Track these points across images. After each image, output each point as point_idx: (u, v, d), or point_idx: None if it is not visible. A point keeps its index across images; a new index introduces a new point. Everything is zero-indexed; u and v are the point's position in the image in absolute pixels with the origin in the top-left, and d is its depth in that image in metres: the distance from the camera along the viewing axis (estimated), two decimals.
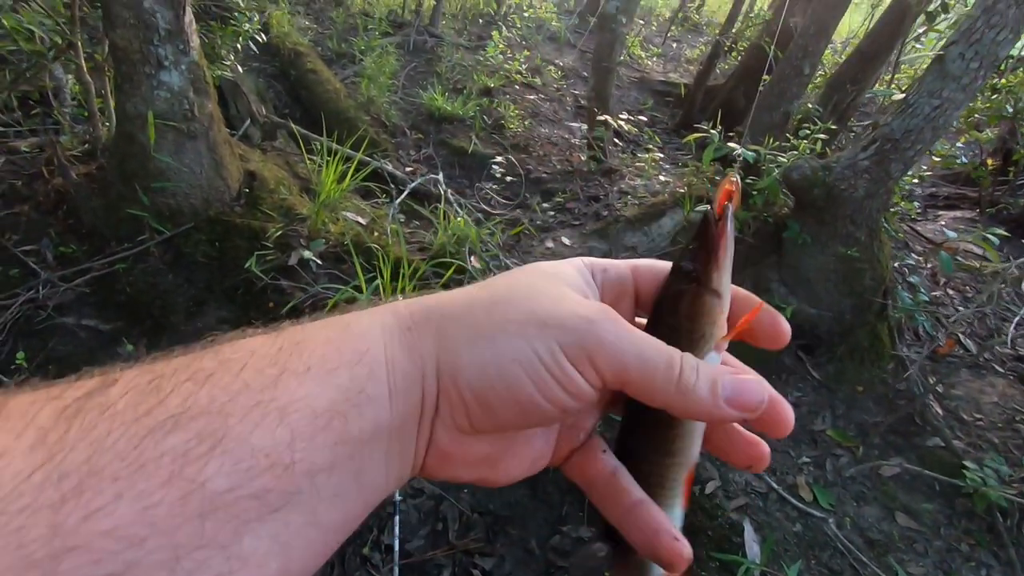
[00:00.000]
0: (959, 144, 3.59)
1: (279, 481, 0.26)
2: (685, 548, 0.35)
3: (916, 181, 3.65)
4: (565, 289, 0.36)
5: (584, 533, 2.12)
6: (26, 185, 2.70)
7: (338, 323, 0.33)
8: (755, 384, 0.34)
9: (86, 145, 2.89)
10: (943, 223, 4.27)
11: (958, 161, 3.56)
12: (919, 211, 4.50)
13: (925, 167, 3.93)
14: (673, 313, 0.37)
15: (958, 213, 4.56)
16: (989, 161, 4.33)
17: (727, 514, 2.10)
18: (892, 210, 2.86)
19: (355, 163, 2.81)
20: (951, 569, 1.98)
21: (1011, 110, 3.51)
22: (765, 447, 0.38)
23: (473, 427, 0.34)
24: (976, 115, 3.51)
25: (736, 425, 0.38)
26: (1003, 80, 3.71)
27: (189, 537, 0.23)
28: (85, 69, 2.74)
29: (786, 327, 0.38)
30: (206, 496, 0.23)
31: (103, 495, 0.22)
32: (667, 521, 0.36)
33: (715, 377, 0.33)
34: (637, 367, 0.32)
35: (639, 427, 0.38)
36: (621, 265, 0.40)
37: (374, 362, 0.31)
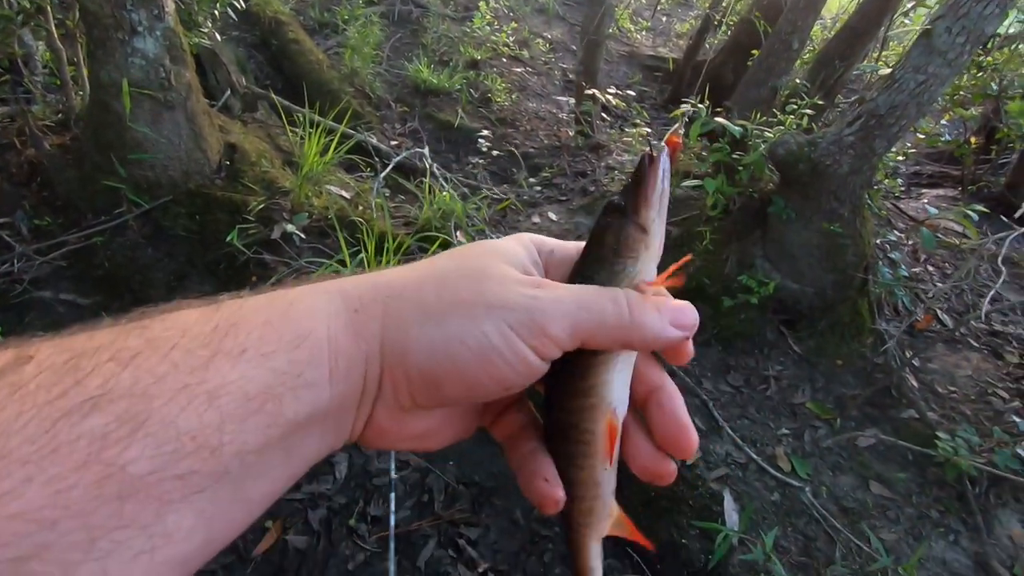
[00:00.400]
0: (944, 122, 3.61)
1: (206, 463, 0.25)
2: (554, 491, 0.36)
3: (901, 159, 3.67)
4: (509, 269, 0.36)
5: None
6: None
7: (281, 301, 0.33)
8: (687, 306, 0.36)
9: (59, 115, 2.80)
10: (926, 201, 4.31)
11: (942, 139, 3.58)
12: (902, 189, 4.54)
13: (909, 144, 3.95)
14: (599, 244, 0.38)
15: (941, 191, 4.61)
16: (972, 139, 4.36)
17: (707, 484, 2.15)
18: (876, 187, 2.88)
19: (338, 136, 2.76)
20: (921, 535, 2.05)
21: (996, 88, 3.53)
22: (672, 465, 0.38)
23: (416, 404, 0.34)
24: (961, 92, 3.52)
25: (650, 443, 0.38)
26: (988, 58, 3.72)
27: (106, 519, 0.23)
28: (56, 36, 2.64)
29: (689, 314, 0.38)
30: (126, 479, 0.23)
31: (11, 478, 0.21)
32: (547, 466, 0.37)
33: (655, 303, 0.35)
34: (588, 318, 0.34)
35: (555, 377, 0.38)
36: (569, 246, 0.40)
37: (315, 346, 0.31)
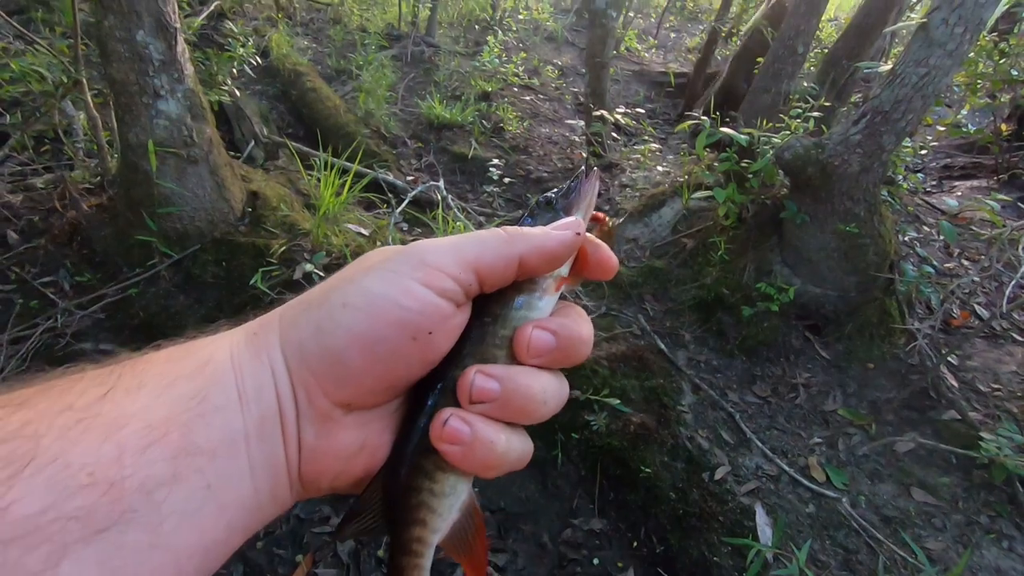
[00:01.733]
0: (963, 112, 3.51)
1: (105, 498, 0.24)
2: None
3: (923, 152, 3.57)
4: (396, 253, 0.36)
5: (596, 525, 2.13)
6: (43, 219, 2.82)
7: (182, 345, 0.32)
8: (571, 220, 0.38)
9: (97, 177, 3.00)
10: (959, 193, 4.17)
11: (964, 129, 3.48)
12: (933, 183, 4.40)
13: (931, 137, 3.85)
14: None
15: (975, 182, 4.45)
16: (1003, 127, 4.21)
17: (738, 499, 2.09)
18: (900, 183, 2.82)
19: (351, 175, 2.87)
20: (971, 542, 1.94)
21: (1017, 73, 3.42)
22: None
23: (334, 402, 0.33)
24: (980, 81, 3.42)
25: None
26: (1008, 43, 3.61)
27: None
28: (92, 104, 2.85)
29: (610, 256, 0.39)
30: (10, 521, 0.22)
31: None
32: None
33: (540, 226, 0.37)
34: (469, 244, 0.34)
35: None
36: None
37: (218, 371, 0.30)
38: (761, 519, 2.03)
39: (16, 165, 3.19)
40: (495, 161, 4.30)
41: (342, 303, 0.32)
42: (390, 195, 3.55)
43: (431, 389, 0.36)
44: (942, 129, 3.41)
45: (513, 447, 0.35)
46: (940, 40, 1.99)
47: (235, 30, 3.31)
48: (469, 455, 0.34)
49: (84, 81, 2.81)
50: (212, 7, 4.80)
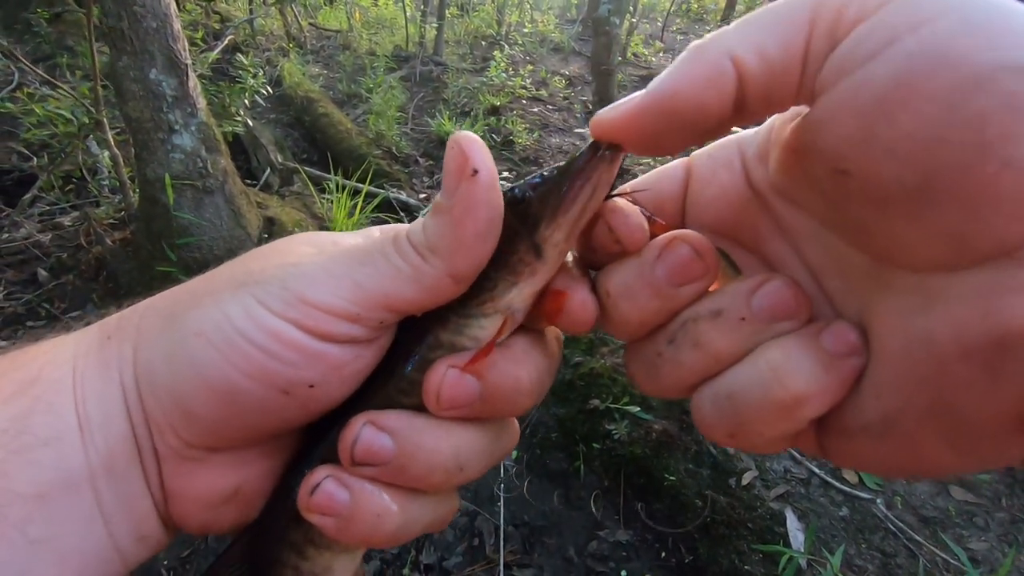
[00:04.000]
0: None
1: None
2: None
3: None
4: (302, 245, 0.28)
5: (622, 536, 2.10)
6: (71, 256, 2.92)
7: (16, 351, 0.26)
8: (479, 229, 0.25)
9: (120, 213, 3.11)
10: None
11: None
12: None
13: None
14: None
15: None
16: None
17: (767, 504, 2.04)
18: None
19: (363, 196, 2.92)
20: (1017, 541, 1.86)
21: None
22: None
23: (186, 442, 0.26)
24: None
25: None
26: None
27: None
28: (113, 142, 2.96)
29: (585, 306, 0.28)
30: None
31: None
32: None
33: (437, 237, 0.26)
34: (366, 273, 0.25)
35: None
36: None
37: (48, 392, 0.24)
38: (792, 524, 1.97)
39: (45, 205, 3.32)
40: (506, 174, 4.32)
41: (196, 330, 0.24)
42: (402, 213, 3.59)
43: (317, 437, 0.28)
44: None
45: (413, 518, 0.27)
46: None
47: (246, 63, 3.40)
48: (348, 529, 0.25)
49: (105, 121, 2.92)
50: (226, 41, 4.95)
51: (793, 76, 0.20)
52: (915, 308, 0.20)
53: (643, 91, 0.23)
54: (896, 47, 0.18)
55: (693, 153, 0.29)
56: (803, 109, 0.22)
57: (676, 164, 0.30)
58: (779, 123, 0.25)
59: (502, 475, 2.25)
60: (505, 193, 0.27)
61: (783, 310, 0.23)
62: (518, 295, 0.27)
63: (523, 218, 0.27)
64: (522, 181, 0.28)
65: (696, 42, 0.22)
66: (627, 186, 0.29)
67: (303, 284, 0.25)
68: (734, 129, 0.26)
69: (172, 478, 0.27)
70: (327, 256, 0.26)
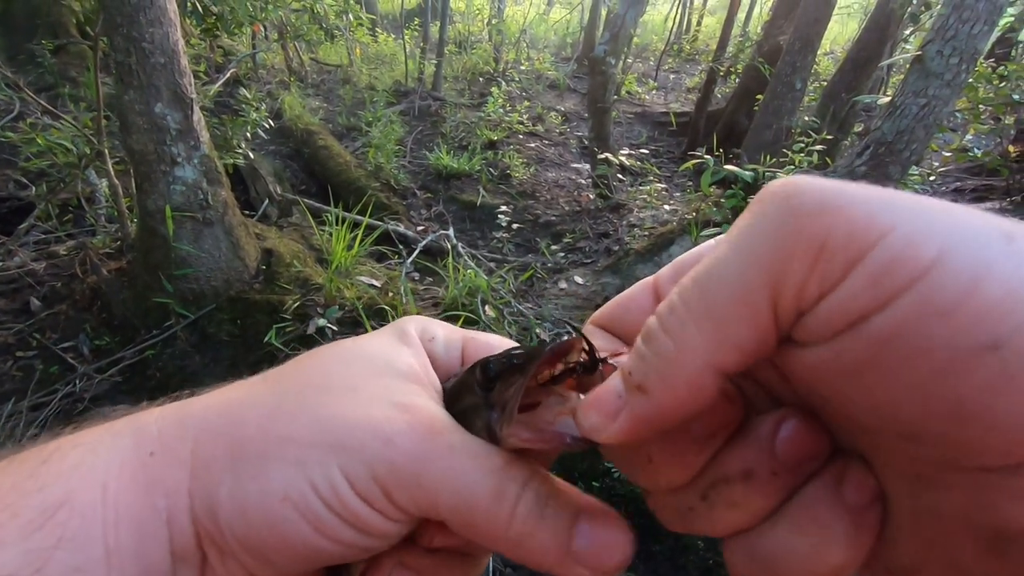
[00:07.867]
0: (968, 136, 3.52)
1: None
2: None
3: (932, 178, 3.57)
4: (371, 381, 0.27)
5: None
6: (65, 285, 2.90)
7: (35, 457, 0.24)
8: (616, 533, 0.25)
9: (117, 243, 3.10)
10: None
11: (970, 154, 3.48)
12: None
13: (937, 163, 3.84)
14: (451, 401, 0.29)
15: (988, 204, 4.42)
16: (1011, 148, 4.21)
17: None
18: None
19: (362, 228, 2.93)
20: None
21: (1017, 97, 3.44)
22: None
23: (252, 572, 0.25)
24: (981, 105, 3.44)
25: None
26: (1006, 67, 3.65)
27: None
28: (113, 172, 2.97)
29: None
30: None
31: None
32: None
33: (573, 514, 0.25)
34: (449, 501, 0.24)
35: None
36: (455, 336, 0.32)
37: (77, 517, 0.22)
38: None
39: (40, 233, 3.31)
40: (503, 208, 4.36)
41: (280, 495, 0.24)
42: (401, 246, 3.60)
43: None
44: (948, 155, 3.41)
45: None
46: (937, 71, 2.01)
47: (248, 96, 3.45)
48: None
49: (106, 151, 2.93)
50: (228, 75, 5.04)
51: (769, 348, 0.20)
52: (918, 477, 0.19)
53: (626, 398, 0.22)
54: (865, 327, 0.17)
55: (658, 273, 0.29)
56: None
57: (643, 285, 0.29)
58: None
59: None
60: (483, 364, 0.27)
61: (808, 454, 0.22)
62: None
63: (491, 405, 0.26)
64: (486, 363, 0.27)
65: (659, 330, 0.21)
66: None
67: (388, 475, 0.24)
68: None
69: None
70: (421, 445, 0.25)
